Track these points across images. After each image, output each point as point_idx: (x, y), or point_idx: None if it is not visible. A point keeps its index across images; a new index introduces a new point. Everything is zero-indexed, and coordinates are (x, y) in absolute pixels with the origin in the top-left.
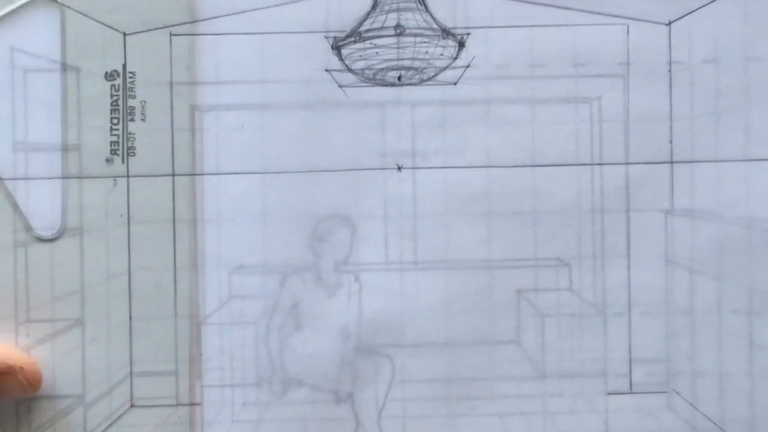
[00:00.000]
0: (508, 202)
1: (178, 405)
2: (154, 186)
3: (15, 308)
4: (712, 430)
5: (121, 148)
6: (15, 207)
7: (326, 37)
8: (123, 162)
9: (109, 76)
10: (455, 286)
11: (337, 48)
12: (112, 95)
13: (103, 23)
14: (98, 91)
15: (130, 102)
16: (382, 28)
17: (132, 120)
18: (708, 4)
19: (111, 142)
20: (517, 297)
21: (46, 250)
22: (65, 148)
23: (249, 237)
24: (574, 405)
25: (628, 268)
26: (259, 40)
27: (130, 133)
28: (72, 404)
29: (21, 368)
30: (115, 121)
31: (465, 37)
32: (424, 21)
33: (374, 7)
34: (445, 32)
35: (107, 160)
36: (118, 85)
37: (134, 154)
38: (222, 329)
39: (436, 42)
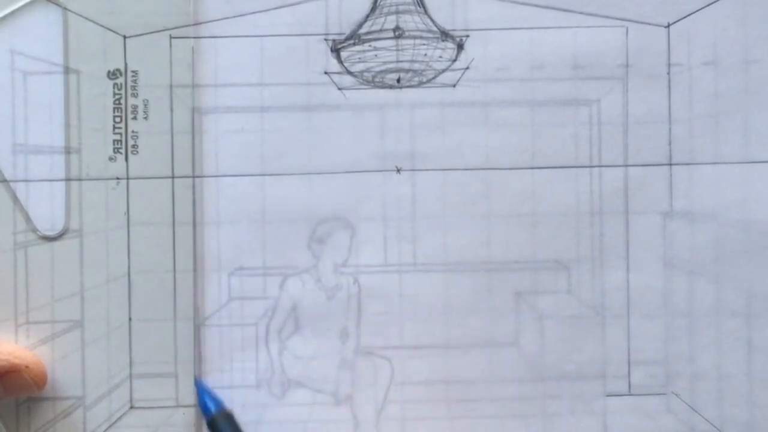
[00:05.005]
0: (507, 204)
1: (177, 406)
2: (154, 188)
3: (15, 310)
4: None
5: (124, 146)
6: (15, 208)
7: (325, 40)
8: (126, 160)
9: (112, 74)
10: (454, 288)
11: (336, 50)
12: (114, 94)
13: (103, 26)
14: (100, 91)
15: (133, 101)
16: (381, 30)
17: (135, 118)
18: (707, 6)
19: (114, 140)
20: (516, 299)
21: (46, 251)
22: (67, 150)
23: (248, 239)
24: (573, 407)
25: (627, 270)
26: (259, 42)
27: (132, 132)
28: (72, 406)
29: (27, 367)
30: (117, 119)
31: (464, 39)
32: (423, 23)
33: (373, 9)
34: (444, 34)
35: (110, 159)
36: (121, 84)
37: (137, 153)
38: (221, 331)
39: (435, 44)
